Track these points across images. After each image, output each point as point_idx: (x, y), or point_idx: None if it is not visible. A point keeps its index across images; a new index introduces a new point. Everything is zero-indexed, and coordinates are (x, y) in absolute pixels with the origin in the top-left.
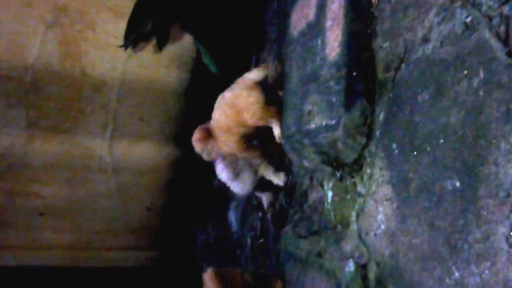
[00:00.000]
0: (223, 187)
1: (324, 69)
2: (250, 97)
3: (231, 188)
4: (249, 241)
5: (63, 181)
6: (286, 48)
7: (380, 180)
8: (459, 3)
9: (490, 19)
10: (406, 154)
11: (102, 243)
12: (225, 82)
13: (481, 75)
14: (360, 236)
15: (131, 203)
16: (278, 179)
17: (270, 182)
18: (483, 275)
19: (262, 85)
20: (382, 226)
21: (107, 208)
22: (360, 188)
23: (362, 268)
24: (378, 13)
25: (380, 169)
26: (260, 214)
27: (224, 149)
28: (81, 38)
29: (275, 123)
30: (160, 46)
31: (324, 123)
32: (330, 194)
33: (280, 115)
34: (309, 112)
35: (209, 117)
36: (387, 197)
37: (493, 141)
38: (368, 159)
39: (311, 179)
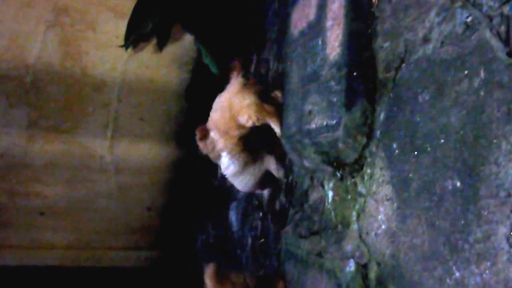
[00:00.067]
0: (224, 187)
1: (325, 69)
2: (244, 101)
3: (235, 184)
4: (249, 241)
5: (64, 181)
6: (286, 48)
7: (381, 180)
8: (460, 3)
9: (491, 19)
10: (406, 154)
11: (103, 243)
12: (226, 82)
13: (482, 75)
14: (360, 236)
15: (132, 203)
16: (278, 174)
17: (271, 181)
18: (484, 275)
19: (255, 86)
20: (383, 226)
21: (108, 208)
22: (360, 188)
23: (362, 268)
24: (378, 13)
25: (381, 169)
26: (261, 214)
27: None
28: (81, 38)
29: (273, 121)
30: (160, 46)
31: (324, 123)
32: (330, 194)
33: (277, 113)
34: (310, 112)
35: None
36: (388, 197)
37: (494, 141)
38: (369, 159)
39: (311, 179)
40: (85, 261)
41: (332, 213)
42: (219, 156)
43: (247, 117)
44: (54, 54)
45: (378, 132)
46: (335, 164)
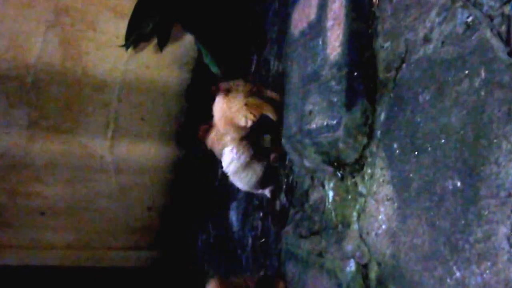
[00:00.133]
0: (224, 187)
1: (325, 69)
2: (233, 107)
3: (236, 182)
4: (250, 241)
5: (64, 181)
6: (287, 48)
7: (381, 180)
8: (460, 3)
9: (492, 19)
10: (407, 154)
11: (103, 243)
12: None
13: (482, 75)
14: (361, 236)
15: (132, 203)
16: (273, 155)
17: (272, 181)
18: (484, 275)
19: (238, 89)
20: (383, 226)
21: (108, 208)
22: (361, 188)
23: (363, 268)
24: (379, 13)
25: (381, 169)
26: (261, 214)
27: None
28: (82, 38)
29: (267, 110)
30: (161, 46)
31: (325, 123)
32: (331, 194)
33: (269, 102)
34: (310, 112)
35: (210, 117)
36: (388, 197)
37: (495, 141)
38: (369, 159)
39: (312, 179)
40: (85, 261)
41: (333, 213)
42: (222, 151)
43: (244, 119)
44: (55, 54)
45: (378, 132)
46: (335, 164)
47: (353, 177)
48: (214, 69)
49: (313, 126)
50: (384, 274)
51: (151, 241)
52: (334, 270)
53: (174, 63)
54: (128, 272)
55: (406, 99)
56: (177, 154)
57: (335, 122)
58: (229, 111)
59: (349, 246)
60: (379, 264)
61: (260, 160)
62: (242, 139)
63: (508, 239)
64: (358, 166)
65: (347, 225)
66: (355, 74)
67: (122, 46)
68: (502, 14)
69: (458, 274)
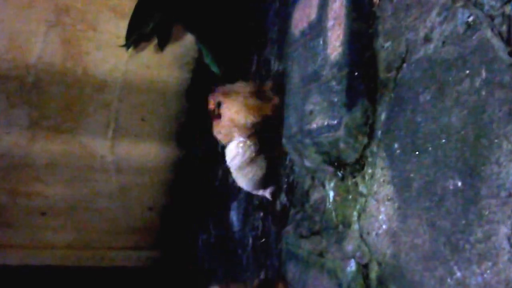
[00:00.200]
0: (225, 187)
1: (326, 69)
2: (232, 108)
3: (239, 178)
4: (250, 241)
5: (65, 181)
6: (287, 48)
7: (382, 180)
8: (461, 2)
9: (492, 18)
10: (407, 154)
11: (103, 243)
12: (227, 82)
13: (483, 74)
14: (361, 236)
15: (133, 203)
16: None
17: (272, 181)
18: (485, 275)
19: (238, 92)
20: (384, 226)
21: (109, 207)
22: (361, 188)
23: (363, 268)
24: (380, 13)
25: (382, 169)
26: (262, 214)
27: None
28: (82, 38)
29: (270, 113)
30: (161, 46)
31: (325, 123)
32: (331, 194)
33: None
34: (311, 112)
35: (210, 117)
36: (389, 197)
37: (495, 141)
38: (370, 159)
39: (312, 179)
40: (85, 261)
41: (333, 213)
42: (229, 140)
43: (244, 120)
44: (55, 54)
45: (379, 132)
46: (336, 164)
47: (354, 177)
48: (215, 69)
49: (314, 126)
50: (385, 274)
51: (152, 241)
52: (335, 270)
53: (174, 63)
54: (128, 272)
55: (407, 99)
56: (178, 154)
57: (335, 122)
58: (229, 112)
59: (349, 246)
60: (379, 264)
61: (265, 156)
62: (248, 136)
63: (509, 239)
64: (359, 166)
65: (347, 225)
66: (356, 74)
67: (123, 46)
68: (503, 14)
69: (458, 274)
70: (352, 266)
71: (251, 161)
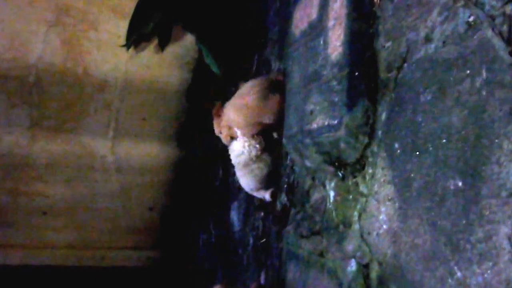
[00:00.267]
0: (225, 187)
1: (326, 68)
2: (239, 114)
3: (244, 176)
4: (251, 241)
5: (66, 181)
6: (288, 48)
7: (382, 180)
8: (462, 2)
9: (493, 18)
10: (408, 154)
11: (104, 243)
12: (227, 82)
13: (484, 74)
14: (362, 236)
15: (133, 203)
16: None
17: (273, 181)
18: (485, 275)
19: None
20: (384, 226)
21: (110, 207)
22: (362, 188)
23: (364, 267)
24: (380, 13)
25: (382, 168)
26: (262, 214)
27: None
28: (83, 38)
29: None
30: (162, 46)
31: (326, 123)
32: (332, 194)
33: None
34: (311, 112)
35: (210, 117)
36: (389, 197)
37: (496, 140)
38: (370, 159)
39: (313, 179)
40: (86, 260)
41: (334, 213)
42: (231, 140)
43: (247, 120)
44: (56, 54)
45: (379, 132)
46: (336, 164)
47: (354, 177)
48: (215, 69)
49: (314, 126)
50: (385, 274)
51: (152, 241)
52: (335, 270)
53: (175, 63)
54: (128, 272)
55: (407, 99)
56: (178, 154)
57: (336, 122)
58: (229, 113)
59: (350, 246)
60: (380, 264)
61: (270, 153)
62: (252, 136)
63: (509, 239)
64: (359, 166)
65: (348, 225)
66: (356, 74)
67: (123, 46)
68: (504, 14)
69: (459, 274)
70: (352, 266)
71: (257, 158)
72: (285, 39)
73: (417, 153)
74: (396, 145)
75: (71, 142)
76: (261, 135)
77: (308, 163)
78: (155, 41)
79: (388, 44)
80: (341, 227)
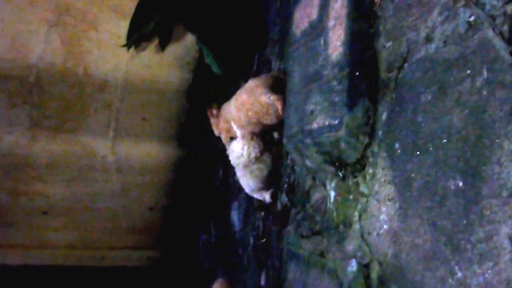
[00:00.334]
0: (225, 187)
1: (327, 68)
2: (239, 113)
3: (244, 177)
4: (251, 240)
5: (66, 181)
6: (288, 47)
7: (383, 180)
8: (462, 2)
9: (494, 18)
10: (409, 154)
11: (105, 243)
12: (228, 82)
13: (484, 74)
14: (362, 236)
15: (134, 203)
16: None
17: (273, 181)
18: (486, 275)
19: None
20: (385, 226)
21: (110, 207)
22: (362, 188)
23: (364, 267)
24: (381, 13)
25: (383, 169)
26: (263, 214)
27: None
28: (84, 37)
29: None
30: (162, 46)
31: (326, 123)
32: (332, 194)
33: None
34: (312, 112)
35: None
36: (390, 197)
37: (496, 140)
38: (371, 159)
39: (313, 179)
40: (86, 260)
41: (334, 213)
42: (231, 140)
43: (271, 118)
44: (57, 54)
45: (380, 132)
46: (337, 164)
47: (355, 177)
48: (215, 69)
49: (315, 126)
50: (386, 274)
51: (152, 241)
52: (336, 270)
53: (175, 63)
54: (129, 272)
55: (408, 99)
56: (179, 154)
57: (336, 122)
58: (227, 113)
59: (350, 246)
60: (380, 264)
61: (269, 152)
62: (251, 137)
63: (510, 239)
64: (360, 166)
65: (348, 225)
66: (357, 74)
67: (124, 46)
68: (505, 14)
69: (459, 274)
70: (353, 266)
71: (256, 159)
72: (286, 39)
73: (418, 153)
74: (397, 145)
75: (71, 142)
76: (262, 135)
77: (308, 163)
78: (156, 41)
79: (389, 44)
80: (341, 227)
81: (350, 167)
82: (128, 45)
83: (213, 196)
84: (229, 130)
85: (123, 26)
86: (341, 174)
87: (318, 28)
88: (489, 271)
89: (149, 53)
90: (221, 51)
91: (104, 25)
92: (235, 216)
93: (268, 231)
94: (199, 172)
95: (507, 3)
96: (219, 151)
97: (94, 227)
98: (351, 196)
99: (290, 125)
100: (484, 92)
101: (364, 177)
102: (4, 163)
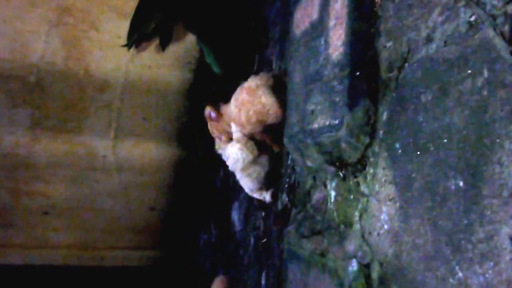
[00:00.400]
0: (226, 187)
1: (327, 68)
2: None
3: (243, 179)
4: (252, 240)
5: (67, 181)
6: (289, 47)
7: (383, 180)
8: (463, 2)
9: (494, 18)
10: (409, 154)
11: (105, 243)
12: (228, 82)
13: (485, 74)
14: (363, 236)
15: (135, 203)
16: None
17: (273, 181)
18: (487, 275)
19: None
20: (385, 226)
21: (111, 207)
22: (363, 188)
23: (365, 267)
24: (381, 13)
25: (384, 168)
26: (263, 214)
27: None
28: (84, 37)
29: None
30: (163, 46)
31: (327, 123)
32: (333, 193)
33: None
34: (312, 112)
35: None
36: (390, 197)
37: (497, 140)
38: (372, 159)
39: (314, 178)
40: (87, 260)
41: (335, 213)
42: (226, 144)
43: (271, 118)
44: (57, 54)
45: (381, 132)
46: (337, 164)
47: (355, 177)
48: (216, 69)
49: (315, 126)
50: (386, 274)
51: (153, 241)
52: (336, 270)
53: (176, 63)
54: (130, 272)
55: (409, 99)
56: (179, 154)
57: (337, 122)
58: (263, 108)
59: (351, 246)
60: (381, 264)
61: (265, 153)
62: (249, 138)
63: (511, 239)
64: (360, 166)
65: (349, 225)
66: (357, 74)
67: (124, 46)
68: (505, 13)
69: (460, 274)
70: (353, 266)
71: (254, 161)
72: (286, 39)
73: (418, 153)
74: (397, 145)
75: (72, 142)
76: (260, 136)
77: (309, 163)
78: (156, 41)
79: (389, 44)
80: (342, 227)
81: (350, 167)
82: (128, 45)
83: (214, 196)
84: (228, 132)
85: (124, 26)
86: (341, 174)
87: (318, 28)
88: (490, 271)
89: (149, 53)
90: (222, 51)
91: (105, 25)
92: (235, 216)
93: (268, 231)
94: (199, 172)
95: (508, 3)
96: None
97: (95, 227)
98: (352, 196)
99: (290, 125)
100: (485, 92)
101: (365, 177)
102: (4, 163)
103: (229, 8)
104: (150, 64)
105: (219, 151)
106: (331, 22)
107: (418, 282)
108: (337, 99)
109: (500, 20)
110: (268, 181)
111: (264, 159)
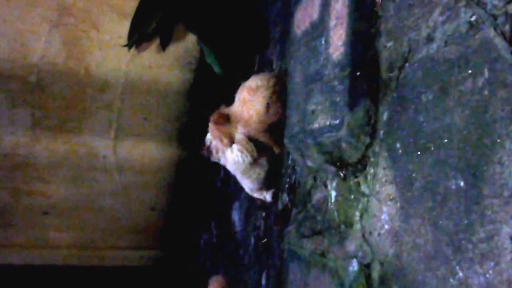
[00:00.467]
0: (227, 187)
1: (328, 68)
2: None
3: (244, 180)
4: (252, 240)
5: (68, 180)
6: (289, 47)
7: (384, 179)
8: (464, 2)
9: (495, 18)
10: (410, 154)
11: (106, 242)
12: (229, 82)
13: (486, 74)
14: (363, 236)
15: (135, 203)
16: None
17: (273, 181)
18: (487, 275)
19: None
20: (386, 226)
21: (111, 207)
22: (363, 188)
23: (365, 267)
24: (382, 13)
25: (384, 168)
26: (264, 214)
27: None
28: (85, 37)
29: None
30: (163, 46)
31: (327, 123)
32: (333, 193)
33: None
34: (313, 112)
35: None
36: (391, 197)
37: (498, 140)
38: (372, 159)
39: (314, 178)
40: (88, 260)
41: (335, 213)
42: (226, 149)
43: (272, 118)
44: (58, 54)
45: (381, 132)
46: (338, 164)
47: (356, 177)
48: (217, 69)
49: (316, 126)
50: (387, 274)
51: (154, 241)
52: (337, 269)
53: (176, 63)
54: (130, 272)
55: (409, 99)
56: (180, 154)
57: (337, 122)
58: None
59: (351, 246)
60: (381, 264)
61: (265, 154)
62: (247, 140)
63: (511, 239)
64: (361, 166)
65: (349, 225)
66: (358, 74)
67: (125, 46)
68: (506, 13)
69: (461, 274)
70: (354, 266)
71: (254, 162)
72: (287, 39)
73: (419, 153)
74: (398, 145)
75: (72, 142)
76: (261, 136)
77: (309, 163)
78: (157, 41)
79: (390, 43)
80: (342, 227)
81: (351, 167)
82: (129, 45)
83: (214, 196)
84: (232, 136)
85: (124, 26)
86: (342, 174)
87: (319, 28)
88: (490, 271)
89: (150, 53)
90: (222, 51)
91: (105, 25)
92: (236, 216)
93: (269, 231)
94: (200, 172)
95: (508, 2)
96: None
97: (95, 227)
98: (352, 196)
99: (291, 125)
100: (486, 92)
101: (365, 177)
102: (5, 163)
103: (229, 8)
104: (150, 64)
105: (215, 159)
106: (332, 22)
107: (418, 282)
108: (338, 99)
109: (500, 20)
110: (269, 181)
111: (264, 160)
